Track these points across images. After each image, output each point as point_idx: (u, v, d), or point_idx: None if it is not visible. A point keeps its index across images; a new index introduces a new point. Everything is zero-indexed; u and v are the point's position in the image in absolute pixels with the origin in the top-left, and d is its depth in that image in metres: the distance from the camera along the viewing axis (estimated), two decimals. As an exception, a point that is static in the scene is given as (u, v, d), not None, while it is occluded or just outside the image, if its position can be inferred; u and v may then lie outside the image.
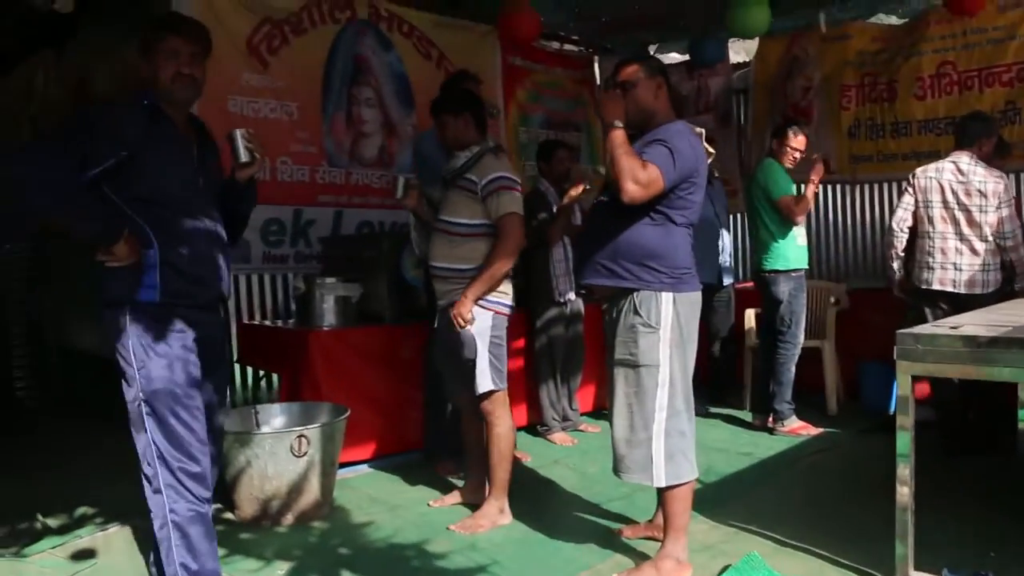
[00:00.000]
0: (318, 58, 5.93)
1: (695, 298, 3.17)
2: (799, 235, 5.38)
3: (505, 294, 3.78)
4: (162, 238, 2.69)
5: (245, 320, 5.82)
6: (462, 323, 3.63)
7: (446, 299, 3.78)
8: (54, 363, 6.81)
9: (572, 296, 5.30)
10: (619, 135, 3.01)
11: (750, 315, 6.20)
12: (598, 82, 8.01)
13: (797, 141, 5.41)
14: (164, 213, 2.71)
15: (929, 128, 6.91)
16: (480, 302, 3.66)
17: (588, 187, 5.10)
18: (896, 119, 7.05)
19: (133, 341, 2.66)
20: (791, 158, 5.42)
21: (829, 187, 7.84)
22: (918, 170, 4.89)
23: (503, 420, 3.78)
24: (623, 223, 3.09)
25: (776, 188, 5.33)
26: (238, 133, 2.92)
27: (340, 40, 6.04)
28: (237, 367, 5.61)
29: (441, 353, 3.92)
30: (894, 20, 7.32)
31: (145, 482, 2.72)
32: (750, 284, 6.94)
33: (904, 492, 2.93)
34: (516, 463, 4.68)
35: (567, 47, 7.84)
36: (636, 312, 3.07)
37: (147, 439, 2.69)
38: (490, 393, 3.73)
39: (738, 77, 8.26)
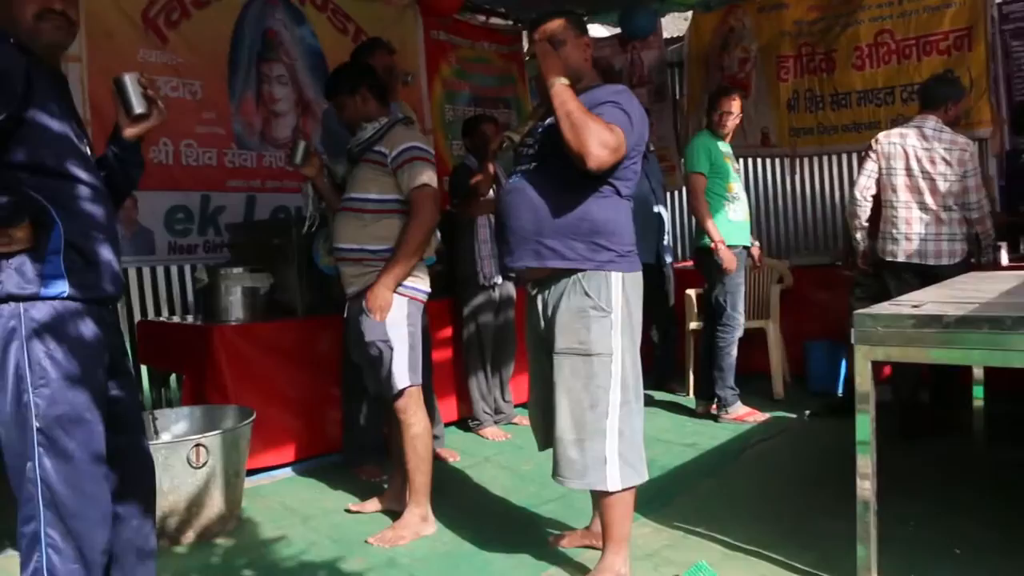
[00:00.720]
0: (223, 33, 5.49)
1: (640, 278, 2.86)
2: (732, 210, 5.09)
3: (420, 278, 3.44)
4: (64, 216, 2.17)
5: (147, 317, 5.35)
6: (380, 316, 3.28)
7: (357, 285, 3.41)
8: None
9: (499, 280, 4.96)
10: (567, 91, 2.66)
11: (691, 296, 5.92)
12: (527, 57, 7.66)
13: (729, 104, 5.14)
14: (61, 184, 2.19)
15: (868, 99, 6.73)
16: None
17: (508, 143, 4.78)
18: (835, 90, 6.87)
19: (29, 351, 2.12)
20: (725, 124, 5.15)
21: (769, 161, 7.62)
22: (881, 135, 4.63)
23: (419, 419, 3.43)
24: (565, 196, 2.74)
25: (690, 161, 5.10)
26: (128, 78, 2.40)
27: (247, 13, 5.61)
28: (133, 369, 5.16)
29: (355, 346, 3.54)
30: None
31: (21, 533, 2.16)
32: (689, 263, 6.70)
33: (866, 487, 2.63)
34: (443, 463, 4.36)
35: (493, 20, 7.46)
36: (585, 294, 2.72)
37: (34, 478, 2.12)
38: (403, 391, 3.37)
39: (672, 51, 8.01)
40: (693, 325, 5.84)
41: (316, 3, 6.00)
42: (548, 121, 2.82)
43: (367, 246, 3.37)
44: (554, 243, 2.75)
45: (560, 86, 2.67)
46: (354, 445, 4.31)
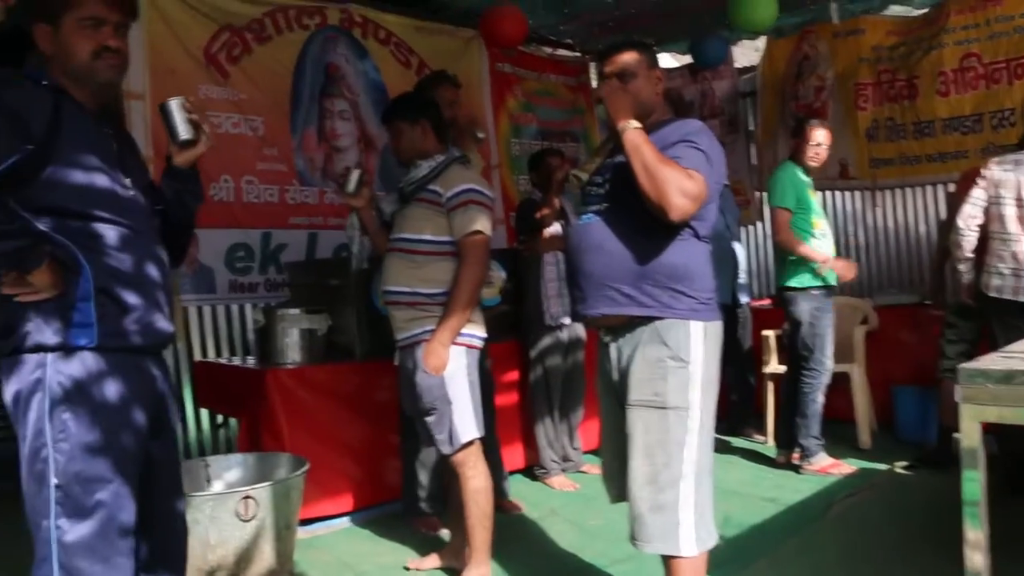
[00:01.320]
0: (285, 68, 5.42)
1: (720, 328, 2.63)
2: (820, 247, 4.81)
3: (475, 323, 3.25)
4: (93, 260, 2.05)
5: (203, 358, 5.23)
6: (437, 372, 3.11)
7: (408, 330, 3.24)
8: None
9: (567, 320, 4.73)
10: (639, 135, 2.47)
11: (769, 337, 5.62)
12: (595, 88, 7.49)
13: (818, 134, 4.85)
14: (90, 227, 2.07)
15: (954, 127, 6.37)
16: None
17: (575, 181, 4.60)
18: (918, 118, 6.52)
19: (52, 404, 1.99)
20: (814, 155, 4.87)
21: (848, 194, 7.28)
22: (992, 162, 4.27)
23: (479, 472, 3.22)
24: (641, 239, 2.53)
25: (775, 195, 4.80)
26: (174, 104, 2.28)
27: (309, 48, 5.53)
28: (191, 411, 5.05)
29: (408, 398, 3.35)
30: (911, 11, 6.75)
31: None
32: (766, 302, 6.42)
33: (976, 561, 2.33)
34: (507, 515, 4.14)
35: (560, 52, 7.30)
36: (663, 344, 2.51)
37: (49, 539, 1.99)
38: (466, 444, 3.16)
39: (744, 81, 7.76)
40: (772, 368, 5.53)
41: (379, 37, 5.91)
42: (619, 159, 2.62)
43: (420, 289, 3.19)
44: (630, 289, 2.54)
45: (632, 132, 2.48)
46: (413, 495, 4.11)
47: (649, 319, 2.53)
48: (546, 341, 4.74)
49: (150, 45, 4.75)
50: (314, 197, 5.46)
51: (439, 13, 6.33)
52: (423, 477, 4.07)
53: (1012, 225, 4.11)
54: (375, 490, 4.28)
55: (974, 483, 2.32)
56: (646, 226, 2.50)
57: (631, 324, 2.57)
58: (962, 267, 4.34)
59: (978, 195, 4.24)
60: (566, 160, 5.03)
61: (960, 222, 4.28)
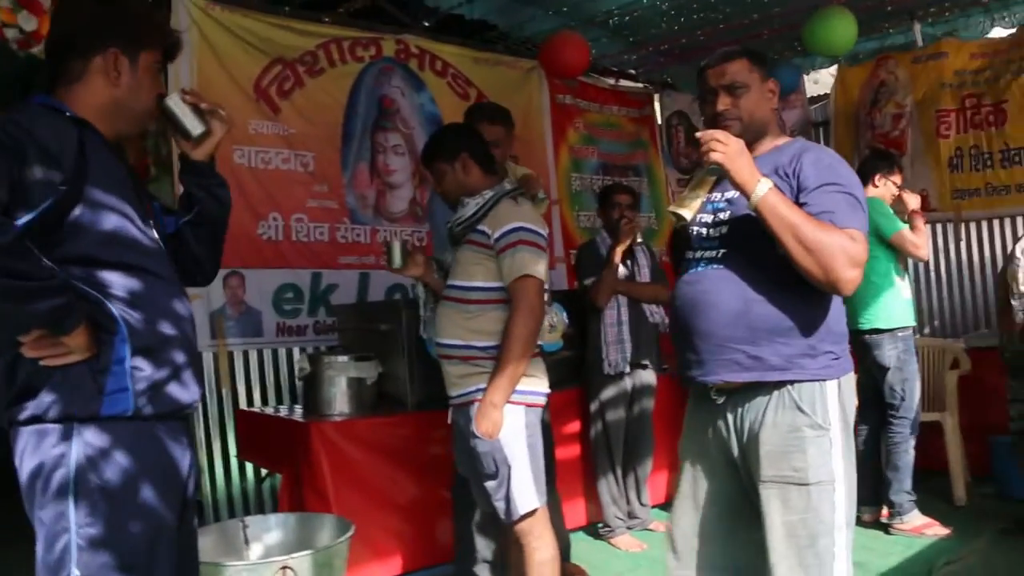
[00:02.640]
0: (337, 102, 5.24)
1: (854, 379, 2.29)
2: (904, 286, 4.45)
3: (535, 377, 2.94)
4: (127, 316, 1.82)
5: (249, 405, 5.00)
6: (492, 436, 2.81)
7: (461, 388, 2.95)
8: None
9: (627, 368, 4.40)
10: (780, 199, 2.10)
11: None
12: (659, 121, 7.19)
13: (894, 178, 4.56)
14: (121, 278, 1.84)
15: (1047, 154, 5.95)
16: None
17: (638, 240, 4.35)
18: (1007, 146, 6.13)
19: (78, 483, 1.74)
20: (889, 196, 4.55)
21: (929, 227, 6.83)
22: None
23: (546, 543, 2.90)
24: (770, 291, 2.18)
25: (888, 224, 4.41)
26: (173, 101, 2.06)
27: (362, 81, 5.35)
28: (236, 464, 4.82)
29: (463, 460, 3.05)
30: (998, 32, 6.36)
31: None
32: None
33: None
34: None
35: (623, 83, 7.02)
36: (799, 410, 2.16)
37: None
38: (526, 514, 2.85)
39: (816, 109, 7.41)
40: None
41: (436, 68, 5.70)
42: (733, 195, 2.26)
43: (473, 343, 2.90)
44: (758, 350, 2.17)
45: (770, 196, 2.10)
46: (467, 557, 3.79)
47: (778, 383, 2.19)
48: (607, 390, 4.43)
49: (200, 78, 4.61)
50: (366, 236, 5.25)
51: (498, 43, 6.12)
52: (479, 541, 3.76)
53: None
54: (425, 551, 3.97)
55: None
56: (774, 275, 2.17)
57: (754, 387, 2.22)
58: (1016, 303, 3.93)
59: None
60: (634, 197, 4.72)
61: (1019, 250, 3.89)
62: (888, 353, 4.39)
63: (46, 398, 1.76)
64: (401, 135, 5.49)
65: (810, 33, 5.31)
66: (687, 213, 2.22)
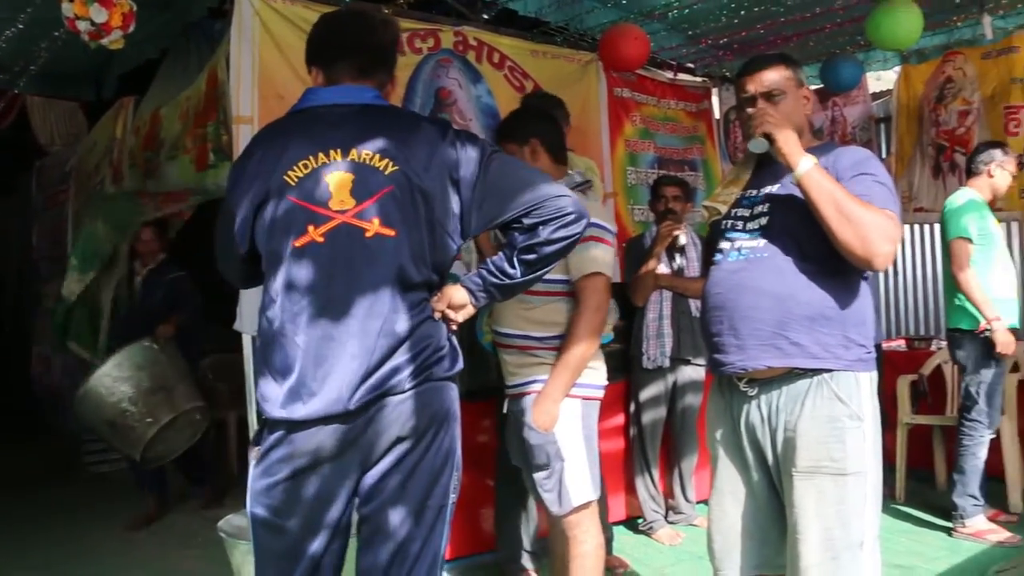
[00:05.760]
0: (396, 93, 5.27)
1: (877, 378, 2.34)
2: (998, 284, 4.39)
3: (595, 370, 2.94)
4: None
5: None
6: (548, 430, 2.82)
7: (518, 378, 2.96)
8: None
9: (667, 363, 4.40)
10: (824, 175, 2.20)
11: (903, 383, 5.15)
12: (716, 116, 7.13)
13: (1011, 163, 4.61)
14: None
15: (1126, 152, 5.77)
16: None
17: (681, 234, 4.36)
18: (1076, 144, 5.92)
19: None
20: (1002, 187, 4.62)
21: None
22: None
23: (593, 535, 2.90)
24: (810, 280, 2.24)
25: (953, 226, 4.38)
26: None
27: (420, 72, 5.37)
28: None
29: (516, 450, 3.06)
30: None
31: None
32: (898, 343, 5.97)
33: None
34: (611, 573, 3.84)
35: (681, 76, 6.98)
36: (838, 399, 2.22)
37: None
38: (578, 507, 2.86)
39: (878, 105, 7.27)
40: (906, 418, 5.06)
41: (493, 60, 5.72)
42: (771, 190, 2.35)
43: (532, 333, 2.92)
44: (800, 337, 2.23)
45: (814, 170, 2.20)
46: (510, 546, 3.85)
47: (816, 371, 2.23)
48: (646, 384, 4.46)
49: (262, 70, 4.68)
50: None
51: (556, 36, 6.13)
52: (525, 530, 3.82)
53: None
54: (468, 540, 4.05)
55: None
56: (821, 264, 2.23)
57: (790, 376, 2.26)
58: None
59: None
60: (685, 191, 4.71)
61: None
62: (966, 354, 4.40)
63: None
64: (458, 126, 5.50)
65: (874, 26, 5.20)
66: (722, 207, 2.32)
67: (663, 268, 4.43)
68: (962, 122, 6.50)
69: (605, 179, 6.03)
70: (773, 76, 2.37)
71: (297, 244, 2.00)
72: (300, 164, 2.02)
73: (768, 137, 2.28)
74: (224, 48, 4.65)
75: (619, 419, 4.59)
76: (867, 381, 2.26)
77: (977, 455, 4.32)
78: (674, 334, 4.36)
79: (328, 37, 2.19)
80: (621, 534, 4.44)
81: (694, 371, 4.48)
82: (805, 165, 2.19)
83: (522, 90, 5.77)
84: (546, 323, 2.90)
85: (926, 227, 7.30)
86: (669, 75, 6.88)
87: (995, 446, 4.73)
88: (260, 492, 2.05)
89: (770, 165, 2.37)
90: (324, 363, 1.97)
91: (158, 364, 4.88)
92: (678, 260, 4.48)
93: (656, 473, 4.52)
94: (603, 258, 2.86)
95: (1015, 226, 6.59)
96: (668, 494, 4.66)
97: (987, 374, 4.32)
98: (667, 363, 4.39)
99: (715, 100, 7.15)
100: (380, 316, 1.99)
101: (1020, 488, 4.76)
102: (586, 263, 2.84)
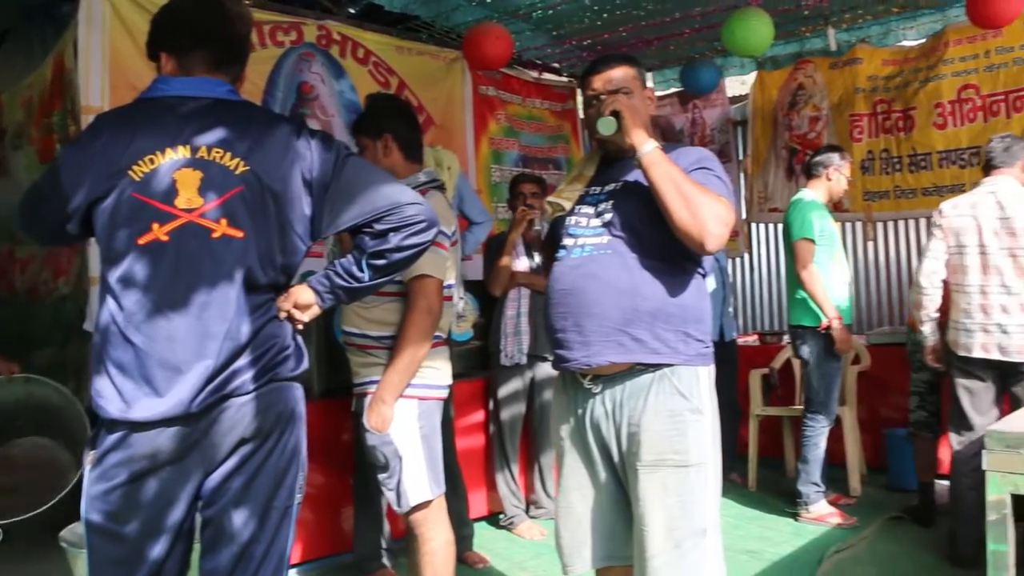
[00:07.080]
0: (254, 87, 5.15)
1: (715, 372, 2.40)
2: (835, 283, 4.58)
3: (434, 369, 2.93)
4: None
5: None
6: (382, 430, 2.81)
7: (360, 377, 2.95)
8: None
9: (524, 360, 4.45)
10: (665, 157, 2.25)
11: (755, 376, 5.37)
12: (580, 115, 7.25)
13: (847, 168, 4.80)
14: None
15: (951, 160, 6.14)
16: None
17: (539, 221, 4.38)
18: (914, 150, 6.28)
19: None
20: (838, 190, 4.79)
21: (840, 226, 6.96)
22: (945, 205, 3.93)
23: (439, 532, 2.90)
24: (652, 276, 2.27)
25: (798, 227, 4.57)
26: None
27: (281, 66, 5.28)
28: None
29: (365, 449, 3.01)
30: (908, 42, 6.55)
31: None
32: (751, 338, 6.21)
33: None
34: (470, 568, 3.87)
35: (546, 76, 7.08)
36: (679, 394, 2.25)
37: None
38: (418, 505, 2.87)
39: (736, 109, 7.54)
40: (758, 410, 5.27)
41: (358, 55, 5.66)
42: (614, 186, 2.38)
43: (369, 332, 2.91)
44: (641, 333, 2.25)
45: (656, 151, 2.24)
46: (366, 546, 3.82)
47: (657, 366, 2.27)
48: (506, 382, 4.50)
49: (113, 57, 4.50)
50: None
51: (422, 32, 6.11)
52: (378, 526, 3.80)
53: (977, 275, 3.80)
54: (324, 541, 3.98)
55: (1001, 558, 2.08)
56: (662, 261, 2.28)
57: (632, 371, 2.29)
58: (926, 328, 4.02)
59: (936, 248, 3.95)
60: (543, 187, 4.78)
61: (922, 280, 3.98)
62: (808, 349, 4.57)
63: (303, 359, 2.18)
64: (319, 122, 5.44)
65: (729, 32, 5.40)
66: (566, 203, 2.35)
67: (522, 265, 4.47)
68: (813, 127, 6.82)
69: (470, 178, 6.06)
70: (619, 74, 2.42)
71: (141, 242, 1.93)
72: (146, 158, 1.94)
73: (616, 115, 2.30)
74: (71, 33, 4.45)
75: (479, 416, 4.62)
76: (706, 375, 2.32)
77: (819, 444, 4.53)
78: (532, 331, 4.41)
79: (183, 23, 2.09)
80: (482, 530, 4.46)
81: (551, 368, 4.53)
82: (650, 146, 2.25)
83: (386, 86, 5.74)
84: (382, 323, 2.89)
85: (780, 226, 7.60)
86: (534, 74, 6.97)
87: (837, 434, 4.99)
88: (96, 497, 1.96)
89: (614, 164, 2.42)
90: (167, 364, 1.91)
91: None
92: (536, 258, 4.53)
93: (516, 469, 4.55)
94: (433, 261, 2.80)
95: (858, 226, 6.91)
96: (528, 489, 4.71)
97: (828, 368, 4.53)
98: (525, 360, 4.44)
99: (580, 100, 7.26)
100: (225, 318, 1.94)
101: (859, 473, 5.03)
102: (416, 266, 2.83)
